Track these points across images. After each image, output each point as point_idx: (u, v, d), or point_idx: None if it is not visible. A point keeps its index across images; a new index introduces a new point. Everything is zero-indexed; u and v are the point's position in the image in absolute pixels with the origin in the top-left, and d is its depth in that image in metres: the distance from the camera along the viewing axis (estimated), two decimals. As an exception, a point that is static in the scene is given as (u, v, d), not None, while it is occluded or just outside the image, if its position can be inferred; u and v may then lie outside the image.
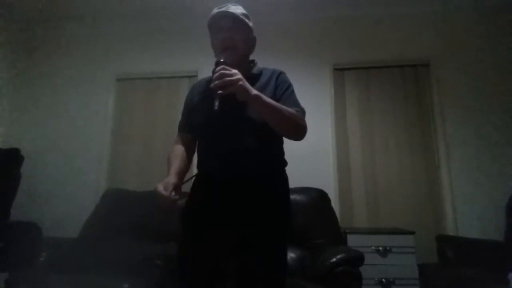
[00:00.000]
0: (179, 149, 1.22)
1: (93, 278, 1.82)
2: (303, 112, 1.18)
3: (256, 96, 1.03)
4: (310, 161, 2.81)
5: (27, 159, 2.81)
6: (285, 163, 1.24)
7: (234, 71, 1.02)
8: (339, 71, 3.02)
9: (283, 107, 1.10)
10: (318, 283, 1.76)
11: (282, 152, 1.24)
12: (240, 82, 1.00)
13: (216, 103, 1.00)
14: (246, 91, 1.02)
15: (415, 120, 2.82)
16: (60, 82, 3.29)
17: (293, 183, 2.45)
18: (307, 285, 1.77)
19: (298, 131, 1.15)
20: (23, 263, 2.07)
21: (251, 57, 1.32)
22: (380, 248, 2.22)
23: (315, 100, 2.94)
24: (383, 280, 2.15)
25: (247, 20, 1.22)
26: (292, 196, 2.31)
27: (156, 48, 3.26)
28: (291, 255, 2.11)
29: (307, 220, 2.28)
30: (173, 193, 1.02)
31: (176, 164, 1.15)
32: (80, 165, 3.05)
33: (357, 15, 3.09)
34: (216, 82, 1.00)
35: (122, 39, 3.33)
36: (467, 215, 2.59)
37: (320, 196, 2.42)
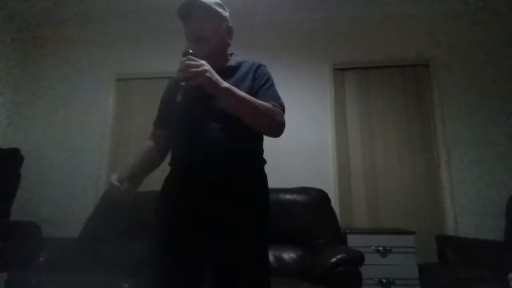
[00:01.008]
0: (145, 144, 1.18)
1: (93, 278, 1.82)
2: (282, 107, 1.10)
3: (225, 88, 0.97)
4: (310, 161, 2.81)
5: (27, 159, 2.81)
6: (262, 161, 1.15)
7: (201, 62, 0.97)
8: (339, 71, 3.03)
9: (258, 101, 1.03)
10: (318, 283, 1.76)
11: (258, 149, 1.15)
12: (207, 74, 0.94)
13: (179, 96, 0.95)
14: (214, 83, 0.96)
15: (415, 120, 2.83)
16: (60, 82, 3.29)
17: (293, 183, 2.49)
18: (307, 285, 1.77)
19: (274, 127, 1.07)
20: (23, 263, 2.07)
21: (236, 51, 1.26)
22: (380, 248, 2.22)
23: (315, 100, 2.95)
24: (383, 280, 2.15)
25: (220, 10, 1.14)
26: (292, 196, 2.37)
27: (156, 48, 3.26)
28: (291, 255, 2.11)
29: (307, 220, 2.28)
30: (125, 184, 0.99)
31: (138, 158, 1.11)
32: (80, 165, 3.04)
33: (357, 15, 3.09)
34: (179, 74, 0.95)
35: (122, 39, 3.33)
36: (467, 215, 2.59)
37: (320, 196, 2.42)
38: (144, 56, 3.26)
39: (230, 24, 1.20)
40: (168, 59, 3.19)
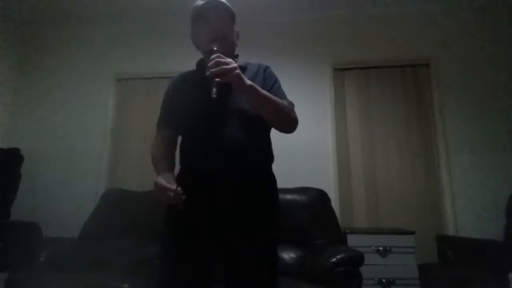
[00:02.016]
0: (164, 148, 1.18)
1: (93, 278, 1.82)
2: (293, 105, 1.17)
3: (251, 86, 1.00)
4: (310, 161, 2.81)
5: (27, 159, 2.81)
6: (272, 158, 1.18)
7: (229, 59, 0.99)
8: (339, 71, 3.02)
9: (278, 99, 1.08)
10: (318, 283, 1.76)
11: (271, 147, 1.19)
12: (237, 71, 0.97)
13: (214, 90, 0.95)
14: (242, 80, 0.98)
15: (415, 120, 2.83)
16: (60, 82, 3.29)
17: (293, 183, 2.49)
18: (307, 285, 1.77)
19: (291, 123, 1.13)
20: (23, 263, 2.07)
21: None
22: (380, 248, 2.22)
23: (315, 100, 2.95)
24: (383, 280, 2.15)
25: (234, 13, 1.21)
26: (292, 196, 2.37)
27: (156, 48, 3.26)
28: (291, 255, 2.11)
29: (307, 220, 2.28)
30: (176, 186, 1.00)
31: (166, 162, 1.13)
32: (80, 165, 3.04)
33: (357, 15, 3.09)
34: (213, 69, 0.95)
35: (122, 39, 3.33)
36: (467, 215, 2.59)
37: (320, 196, 2.41)
38: (144, 56, 3.26)
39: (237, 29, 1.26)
40: (168, 59, 3.21)
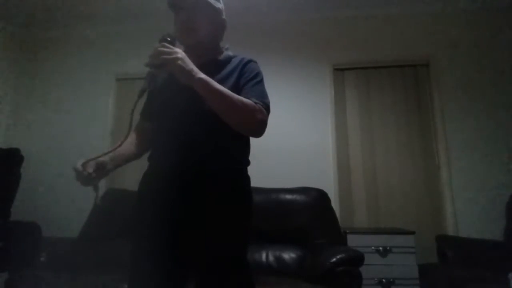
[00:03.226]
0: (129, 137, 1.12)
1: (93, 278, 1.82)
2: (265, 105, 1.02)
3: (199, 79, 0.91)
4: (310, 161, 2.81)
5: (27, 159, 2.81)
6: (244, 163, 1.10)
7: (175, 49, 0.91)
8: (339, 71, 3.02)
9: (237, 96, 0.96)
10: (318, 283, 1.76)
11: (240, 150, 1.09)
12: (178, 62, 0.88)
13: (144, 83, 0.91)
14: (187, 72, 0.89)
15: (415, 120, 2.83)
16: (60, 82, 3.29)
17: (293, 183, 2.49)
18: (307, 285, 1.77)
19: (252, 125, 1.00)
20: (23, 263, 2.07)
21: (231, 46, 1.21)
22: (380, 248, 2.22)
23: (315, 100, 2.95)
24: (383, 280, 2.15)
25: (212, 1, 1.09)
26: (292, 196, 2.37)
27: (156, 48, 3.26)
28: (291, 255, 2.11)
29: (307, 220, 2.28)
30: (90, 170, 0.95)
31: (115, 147, 1.06)
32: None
33: (357, 15, 3.09)
34: (149, 60, 0.91)
35: (122, 39, 3.33)
36: (467, 215, 2.58)
37: (320, 196, 2.41)
38: (144, 56, 3.22)
39: (224, 17, 1.15)
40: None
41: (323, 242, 2.17)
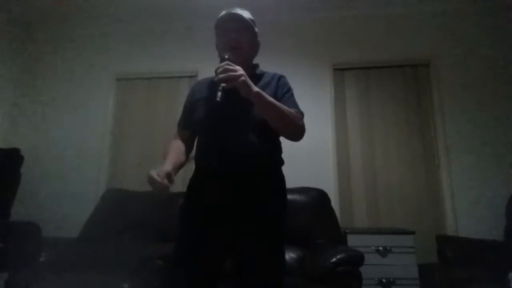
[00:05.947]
0: (177, 143, 1.26)
1: (93, 278, 1.82)
2: (302, 114, 1.22)
3: (257, 92, 1.06)
4: (310, 161, 2.81)
5: (27, 159, 2.81)
6: (281, 162, 1.25)
7: (238, 67, 1.06)
8: (339, 71, 3.02)
9: (284, 106, 1.13)
10: (318, 283, 1.76)
11: (280, 151, 1.26)
12: (242, 78, 1.03)
13: (219, 94, 1.03)
14: (248, 86, 1.05)
15: (415, 120, 2.82)
16: (60, 82, 3.29)
17: (293, 183, 2.47)
18: (307, 285, 1.77)
19: (297, 131, 1.18)
20: (23, 263, 2.07)
21: (255, 61, 1.36)
22: (380, 248, 2.22)
23: (315, 100, 2.95)
24: (383, 280, 2.15)
25: (253, 25, 1.27)
26: (292, 196, 2.36)
27: (156, 48, 3.26)
28: (291, 255, 2.11)
29: (307, 220, 2.28)
30: (165, 180, 1.03)
31: (172, 155, 1.18)
32: (80, 165, 3.04)
33: (357, 15, 3.09)
34: (220, 76, 1.04)
35: (122, 39, 3.33)
36: (467, 215, 2.59)
37: (320, 196, 2.42)
38: (144, 56, 3.26)
39: (258, 39, 1.33)
40: (168, 59, 3.21)
41: (323, 242, 2.17)
